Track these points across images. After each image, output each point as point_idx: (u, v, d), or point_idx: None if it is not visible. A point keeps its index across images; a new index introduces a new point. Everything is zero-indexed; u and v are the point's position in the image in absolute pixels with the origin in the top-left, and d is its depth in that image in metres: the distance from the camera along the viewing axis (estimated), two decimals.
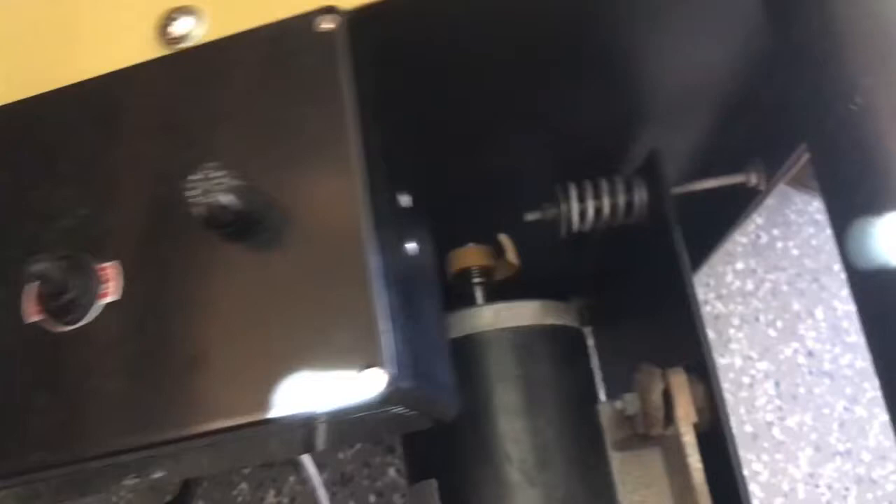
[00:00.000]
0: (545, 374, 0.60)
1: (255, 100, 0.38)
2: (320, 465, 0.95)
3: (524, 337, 0.61)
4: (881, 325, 0.35)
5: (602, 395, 0.95)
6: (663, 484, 0.60)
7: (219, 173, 0.33)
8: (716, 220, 0.74)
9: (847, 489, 0.98)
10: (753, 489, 0.97)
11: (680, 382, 0.56)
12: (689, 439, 0.55)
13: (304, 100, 0.36)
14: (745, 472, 0.98)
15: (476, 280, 0.67)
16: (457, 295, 0.68)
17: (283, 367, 0.34)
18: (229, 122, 0.38)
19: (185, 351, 0.35)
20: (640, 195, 0.61)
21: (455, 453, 0.59)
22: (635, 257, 0.68)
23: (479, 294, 0.67)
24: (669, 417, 0.56)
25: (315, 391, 0.33)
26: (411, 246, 0.38)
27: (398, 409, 0.35)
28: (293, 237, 0.35)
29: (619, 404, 0.59)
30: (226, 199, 0.33)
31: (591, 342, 0.99)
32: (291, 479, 0.97)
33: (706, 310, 1.06)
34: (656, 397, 0.56)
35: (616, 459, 0.61)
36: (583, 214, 0.62)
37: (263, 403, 0.33)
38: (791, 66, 0.40)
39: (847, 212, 0.35)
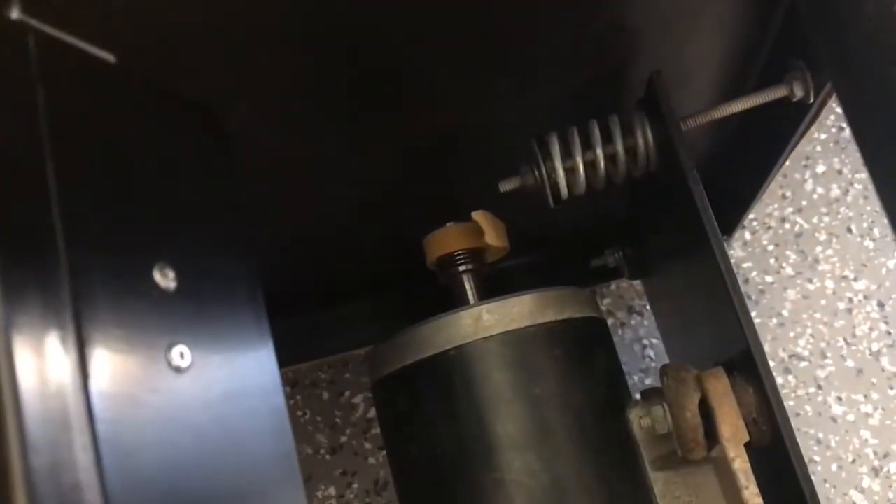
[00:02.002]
0: (549, 389, 0.46)
1: None
2: None
3: (516, 344, 0.47)
4: None
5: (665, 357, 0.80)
6: None
7: None
8: (759, 153, 0.57)
9: None
10: (865, 436, 0.82)
11: (721, 390, 0.41)
12: (740, 465, 0.40)
13: None
14: (852, 417, 0.83)
15: (462, 268, 0.53)
16: (447, 294, 0.54)
17: None
18: None
19: None
20: (645, 135, 0.46)
21: None
22: (658, 204, 0.52)
23: (468, 285, 0.53)
24: (713, 436, 0.42)
25: None
26: (178, 353, 0.25)
27: None
28: None
29: (645, 421, 0.45)
30: None
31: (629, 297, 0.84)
32: None
33: (785, 227, 0.88)
34: (692, 415, 0.41)
35: (658, 481, 0.47)
36: (572, 173, 0.47)
37: None
38: None
39: None
